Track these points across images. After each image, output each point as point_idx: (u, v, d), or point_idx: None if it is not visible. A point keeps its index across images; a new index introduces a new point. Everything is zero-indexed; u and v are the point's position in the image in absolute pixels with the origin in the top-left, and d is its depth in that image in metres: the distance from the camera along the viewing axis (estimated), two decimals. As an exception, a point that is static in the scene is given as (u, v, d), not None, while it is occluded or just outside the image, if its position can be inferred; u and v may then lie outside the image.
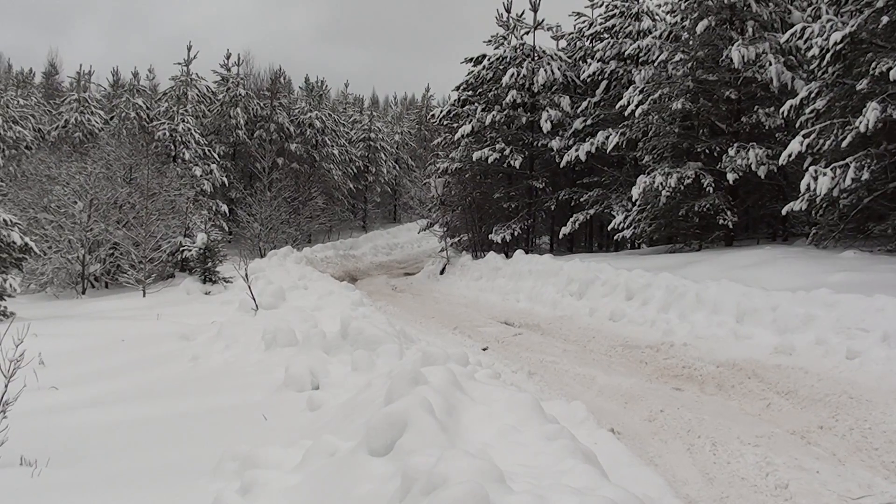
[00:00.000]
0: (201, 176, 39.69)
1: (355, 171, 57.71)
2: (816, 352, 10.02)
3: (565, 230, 28.60)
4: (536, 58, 30.49)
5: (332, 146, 53.41)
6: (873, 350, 9.32)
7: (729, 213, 21.05)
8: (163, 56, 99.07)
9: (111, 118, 47.55)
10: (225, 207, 41.40)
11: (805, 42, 18.14)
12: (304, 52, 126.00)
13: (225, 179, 42.72)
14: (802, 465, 6.43)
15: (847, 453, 6.75)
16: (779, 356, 10.31)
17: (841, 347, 9.73)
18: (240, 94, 47.61)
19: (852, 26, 16.19)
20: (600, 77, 29.37)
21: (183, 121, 41.73)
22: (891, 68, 14.96)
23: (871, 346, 9.44)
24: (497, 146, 29.55)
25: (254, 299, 15.18)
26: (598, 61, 29.42)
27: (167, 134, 41.02)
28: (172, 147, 41.18)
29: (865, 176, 15.79)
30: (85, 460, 5.80)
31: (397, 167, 64.44)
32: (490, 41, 32.87)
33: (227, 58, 50.11)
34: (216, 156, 43.43)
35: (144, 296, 19.66)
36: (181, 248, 22.85)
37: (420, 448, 4.07)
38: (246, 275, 15.90)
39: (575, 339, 13.67)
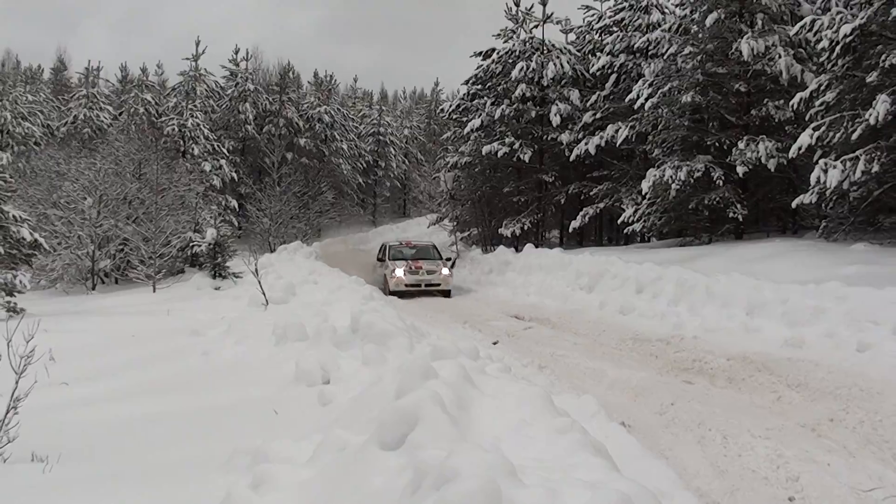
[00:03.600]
0: (210, 171, 39.84)
1: (364, 165, 57.83)
2: (827, 344, 10.01)
3: (575, 224, 28.61)
4: (545, 51, 30.46)
5: (342, 141, 53.48)
6: (884, 343, 9.30)
7: (739, 206, 21.03)
8: (171, 53, 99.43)
9: (120, 114, 47.69)
10: (234, 202, 41.57)
11: (815, 34, 18.07)
12: (312, 49, 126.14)
13: (234, 174, 42.85)
14: (813, 458, 6.42)
15: (858, 445, 6.74)
16: (789, 349, 10.30)
17: (851, 340, 9.71)
18: (248, 89, 47.69)
19: (862, 18, 16.14)
20: (610, 70, 29.33)
21: (192, 116, 41.85)
22: (901, 60, 14.93)
23: (881, 338, 9.42)
24: (506, 140, 29.53)
25: (264, 294, 15.20)
26: (607, 55, 29.42)
27: (176, 129, 41.17)
28: (181, 142, 41.31)
29: (875, 168, 15.74)
30: (96, 456, 5.82)
31: (406, 161, 64.50)
32: (499, 35, 32.83)
33: (236, 53, 50.29)
34: (225, 151, 43.55)
35: (154, 291, 19.72)
36: (191, 244, 22.88)
37: (431, 442, 4.08)
38: (256, 270, 15.90)
39: (585, 332, 13.67)
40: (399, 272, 21.93)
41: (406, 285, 21.73)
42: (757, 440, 6.93)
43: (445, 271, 22.27)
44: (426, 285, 21.78)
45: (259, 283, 15.54)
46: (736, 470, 6.33)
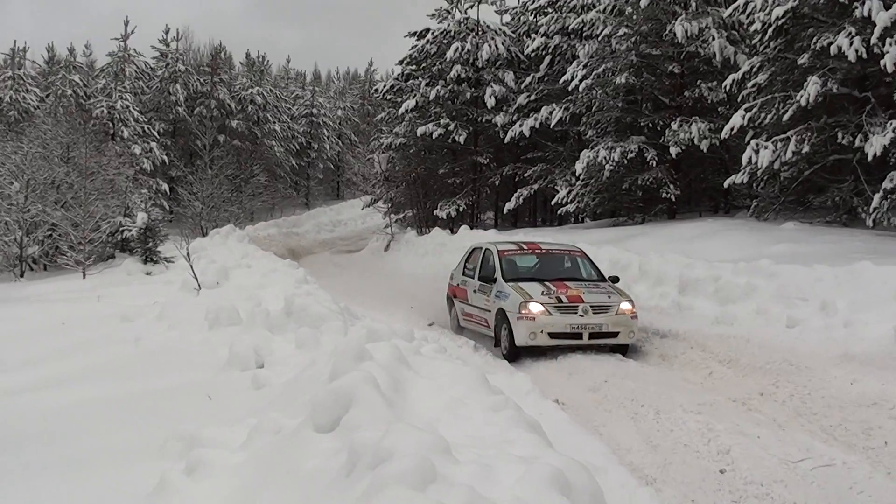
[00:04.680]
0: (141, 154, 39.06)
1: (298, 147, 57.26)
2: (757, 321, 10.21)
3: (510, 205, 28.72)
4: (481, 32, 30.40)
5: (274, 122, 52.92)
6: (812, 319, 9.51)
7: (672, 186, 21.27)
8: (99, 33, 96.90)
9: (47, 96, 46.44)
10: (165, 186, 40.82)
11: (748, 17, 18.34)
12: (244, 29, 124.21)
13: (165, 157, 42.05)
14: (744, 431, 6.54)
15: (787, 418, 6.89)
16: (721, 326, 10.49)
17: (781, 316, 9.92)
18: (179, 70, 46.83)
19: (794, 1, 16.37)
20: (544, 52, 29.38)
21: (121, 98, 40.97)
22: (832, 43, 15.20)
23: (810, 314, 9.64)
24: (441, 121, 29.46)
25: (196, 279, 15.00)
26: (542, 36, 29.42)
27: (105, 111, 40.25)
28: (111, 125, 40.41)
29: (806, 149, 16.04)
30: (28, 444, 5.70)
31: (340, 143, 63.92)
32: (434, 15, 32.72)
33: (166, 33, 49.07)
34: (156, 133, 42.73)
35: (84, 277, 19.33)
36: (121, 229, 22.41)
37: (366, 423, 4.07)
38: (188, 254, 15.68)
39: (520, 312, 13.71)
40: (536, 307, 10.35)
41: (551, 335, 10.21)
42: (689, 415, 7.04)
43: (626, 305, 10.58)
44: (591, 336, 10.19)
45: (191, 267, 15.32)
46: (668, 444, 6.42)
